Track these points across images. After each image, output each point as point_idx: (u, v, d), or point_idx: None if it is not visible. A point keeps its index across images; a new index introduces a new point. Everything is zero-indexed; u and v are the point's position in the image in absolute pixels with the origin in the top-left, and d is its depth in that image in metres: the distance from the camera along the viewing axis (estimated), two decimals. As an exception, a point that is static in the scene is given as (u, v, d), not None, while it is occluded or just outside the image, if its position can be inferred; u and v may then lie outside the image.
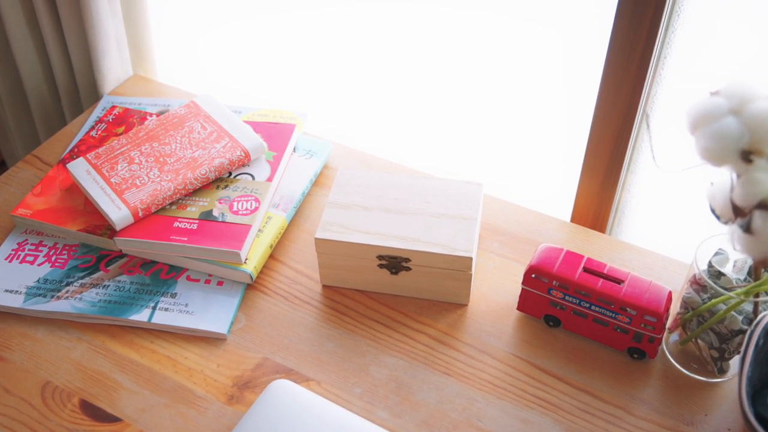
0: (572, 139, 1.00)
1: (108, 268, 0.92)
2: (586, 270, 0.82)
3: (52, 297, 0.89)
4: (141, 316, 0.87)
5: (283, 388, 0.78)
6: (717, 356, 0.80)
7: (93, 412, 0.80)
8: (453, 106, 1.08)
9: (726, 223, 0.67)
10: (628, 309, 0.80)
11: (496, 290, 0.91)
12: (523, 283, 0.85)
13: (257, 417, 0.76)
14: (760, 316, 0.73)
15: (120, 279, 0.91)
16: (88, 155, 0.99)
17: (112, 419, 0.80)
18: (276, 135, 1.03)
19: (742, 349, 0.70)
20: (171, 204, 0.94)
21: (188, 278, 0.91)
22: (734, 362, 0.80)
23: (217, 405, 0.81)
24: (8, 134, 1.39)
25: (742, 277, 0.78)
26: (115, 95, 1.18)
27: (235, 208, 0.93)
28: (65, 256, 0.94)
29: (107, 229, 0.93)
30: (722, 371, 0.81)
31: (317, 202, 1.01)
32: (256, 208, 0.93)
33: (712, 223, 0.73)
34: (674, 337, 0.83)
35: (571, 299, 0.82)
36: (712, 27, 0.83)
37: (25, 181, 1.05)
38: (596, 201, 0.99)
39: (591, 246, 0.95)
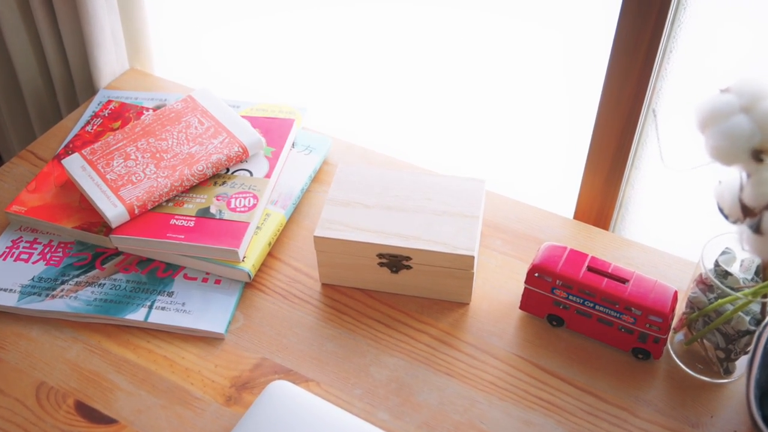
0: (574, 134, 0.99)
1: (104, 266, 0.91)
2: (590, 269, 0.81)
3: (47, 296, 0.88)
4: (137, 315, 0.86)
5: (282, 389, 0.77)
6: (723, 357, 0.78)
7: (88, 413, 0.79)
8: (454, 100, 1.07)
9: (735, 222, 0.66)
10: (633, 309, 0.78)
11: (498, 289, 0.89)
12: (526, 282, 0.83)
13: (256, 419, 0.75)
14: (768, 317, 0.72)
15: (116, 277, 0.90)
16: (83, 151, 0.98)
17: (108, 421, 0.78)
18: (274, 130, 1.01)
19: (750, 350, 0.69)
20: (167, 201, 0.93)
21: (185, 276, 0.90)
22: (740, 363, 0.79)
23: (214, 406, 0.79)
24: (3, 129, 1.37)
25: (749, 277, 0.77)
26: (111, 89, 1.16)
27: (232, 205, 0.92)
28: (60, 254, 0.92)
29: (103, 226, 0.92)
30: (728, 372, 0.80)
31: (316, 199, 0.99)
32: (255, 205, 0.92)
33: (716, 220, 0.72)
34: (679, 336, 0.82)
35: (574, 299, 0.81)
36: (720, 21, 0.82)
37: (20, 177, 1.03)
38: (600, 197, 0.98)
39: (594, 244, 0.94)
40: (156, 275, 0.90)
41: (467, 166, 1.11)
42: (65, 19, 1.14)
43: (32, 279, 0.89)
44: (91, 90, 1.21)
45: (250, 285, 0.90)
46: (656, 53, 0.82)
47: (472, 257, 0.82)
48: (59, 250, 0.93)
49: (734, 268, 0.78)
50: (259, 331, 0.86)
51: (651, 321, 0.78)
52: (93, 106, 1.12)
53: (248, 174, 0.96)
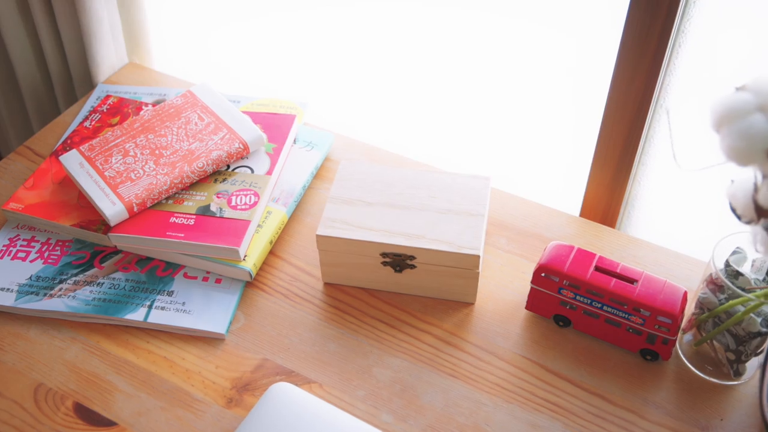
0: (580, 130, 0.97)
1: (102, 264, 0.89)
2: (598, 269, 0.79)
3: (45, 295, 0.86)
4: (137, 315, 0.84)
5: (283, 390, 0.76)
6: (733, 358, 0.77)
7: (87, 415, 0.78)
8: (459, 95, 1.05)
9: (748, 223, 0.64)
10: (641, 310, 0.77)
11: (503, 288, 0.88)
12: (532, 282, 0.82)
13: (258, 422, 0.73)
14: (780, 319, 0.70)
15: (115, 276, 0.88)
16: (81, 147, 0.96)
17: (107, 423, 0.77)
18: (276, 126, 1.00)
19: (764, 354, 0.68)
20: (167, 198, 0.91)
21: (185, 275, 0.88)
22: (751, 364, 0.78)
23: (215, 408, 0.78)
24: (0, 124, 1.35)
25: (761, 278, 0.76)
26: (110, 84, 1.14)
27: (233, 203, 0.90)
28: (58, 253, 0.91)
29: (101, 224, 0.90)
30: (738, 374, 0.78)
31: (318, 196, 0.98)
32: (256, 203, 0.90)
33: (724, 217, 0.70)
34: (688, 337, 0.81)
35: (582, 299, 0.79)
36: (730, 15, 0.80)
37: (17, 174, 1.01)
38: (607, 194, 0.96)
39: (601, 242, 0.92)
40: (155, 274, 0.88)
41: (471, 163, 1.09)
42: (63, 12, 1.12)
43: (30, 278, 0.88)
44: (90, 84, 1.20)
45: (251, 284, 0.88)
46: (666, 47, 0.81)
47: (478, 257, 0.81)
48: (57, 248, 0.91)
49: (745, 269, 0.76)
50: (260, 332, 0.84)
51: (660, 322, 0.76)
52: (91, 101, 1.10)
53: (249, 171, 0.94)
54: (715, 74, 0.84)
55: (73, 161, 0.94)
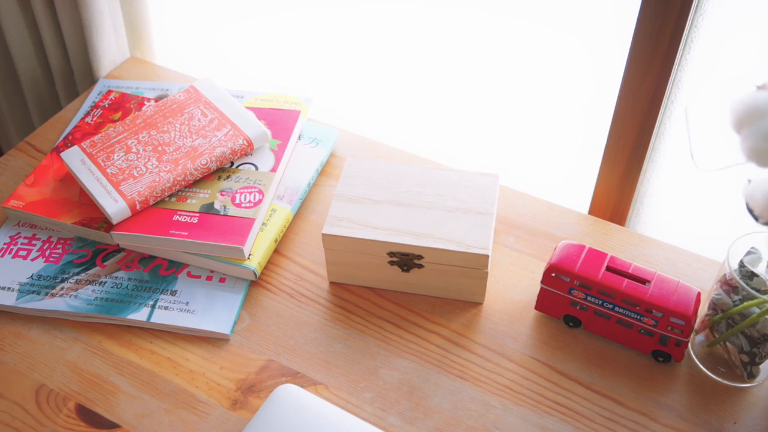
0: (589, 127, 0.96)
1: (104, 263, 0.88)
2: (609, 269, 0.78)
3: (47, 294, 0.85)
4: (140, 315, 0.83)
5: (289, 392, 0.74)
6: (747, 360, 0.76)
7: (90, 417, 0.76)
8: (467, 91, 1.03)
9: (765, 224, 0.63)
10: (654, 311, 0.75)
11: (512, 288, 0.86)
12: (542, 282, 0.80)
13: (263, 424, 0.72)
14: (796, 321, 0.69)
15: (117, 275, 0.87)
16: (83, 143, 0.94)
17: (110, 425, 0.76)
18: (280, 122, 0.98)
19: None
20: (170, 196, 0.90)
21: (189, 274, 0.87)
22: (765, 367, 0.76)
23: (220, 410, 0.77)
24: (1, 119, 1.34)
25: (776, 278, 0.74)
26: (112, 78, 1.13)
27: (237, 201, 0.89)
28: (60, 251, 0.89)
29: (104, 222, 0.89)
30: (752, 376, 0.77)
31: (324, 193, 0.96)
32: (260, 201, 0.89)
33: (735, 216, 0.69)
34: (700, 338, 0.79)
35: (593, 300, 0.78)
36: (744, 11, 0.78)
37: (18, 170, 1.00)
38: (617, 192, 0.95)
39: (611, 240, 0.91)
40: (158, 273, 0.87)
41: (479, 160, 1.08)
42: (63, 5, 1.10)
43: (31, 277, 0.86)
44: (91, 79, 1.18)
45: (255, 283, 0.87)
46: (679, 43, 0.79)
47: (487, 256, 0.79)
48: (59, 246, 0.90)
49: (760, 270, 0.75)
50: (265, 332, 0.83)
51: (673, 324, 0.75)
52: (93, 96, 1.08)
53: (253, 168, 0.93)
54: (728, 71, 0.83)
55: (74, 158, 0.93)
